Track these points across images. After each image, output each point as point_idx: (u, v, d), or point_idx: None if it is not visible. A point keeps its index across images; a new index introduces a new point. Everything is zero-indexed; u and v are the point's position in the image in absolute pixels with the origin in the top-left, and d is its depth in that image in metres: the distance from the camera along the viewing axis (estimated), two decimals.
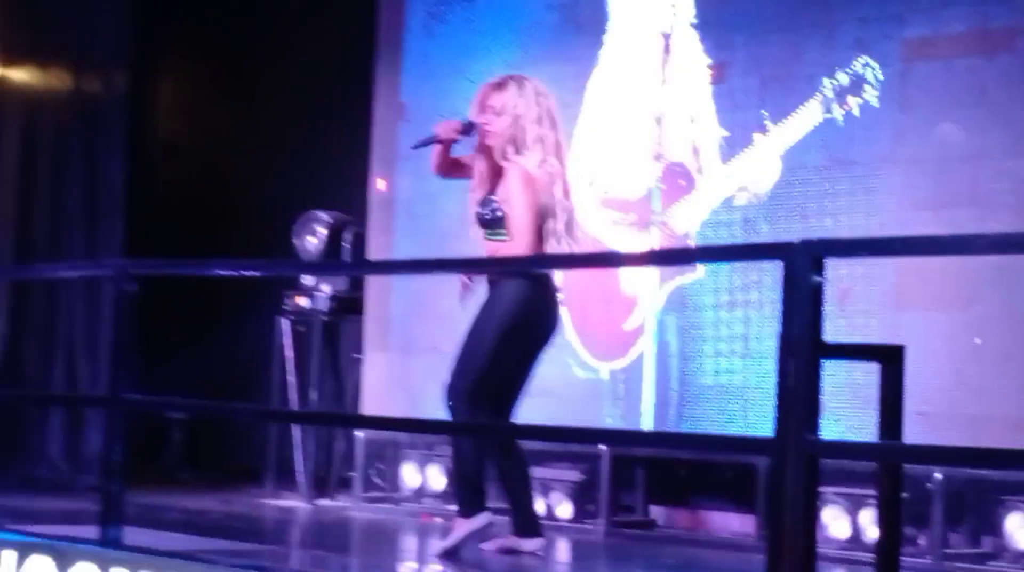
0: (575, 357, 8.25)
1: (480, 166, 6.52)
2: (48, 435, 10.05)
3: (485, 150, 6.50)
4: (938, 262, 6.91)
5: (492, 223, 6.42)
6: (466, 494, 6.37)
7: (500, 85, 6.54)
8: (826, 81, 7.49)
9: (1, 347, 9.92)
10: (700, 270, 7.90)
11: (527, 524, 6.41)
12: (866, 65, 7.37)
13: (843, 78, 7.44)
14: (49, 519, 7.23)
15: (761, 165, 7.75)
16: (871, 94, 7.35)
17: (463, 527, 6.35)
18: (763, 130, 7.72)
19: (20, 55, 10.30)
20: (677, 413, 7.89)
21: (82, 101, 10.43)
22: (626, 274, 8.23)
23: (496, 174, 6.48)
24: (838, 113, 7.46)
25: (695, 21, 8.07)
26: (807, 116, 7.56)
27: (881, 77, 7.33)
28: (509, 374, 6.41)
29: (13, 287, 9.94)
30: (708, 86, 7.99)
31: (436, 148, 6.55)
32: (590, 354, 8.28)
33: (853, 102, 7.40)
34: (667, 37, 8.17)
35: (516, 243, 6.29)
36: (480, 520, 6.33)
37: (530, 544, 6.38)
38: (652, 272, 8.07)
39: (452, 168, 6.60)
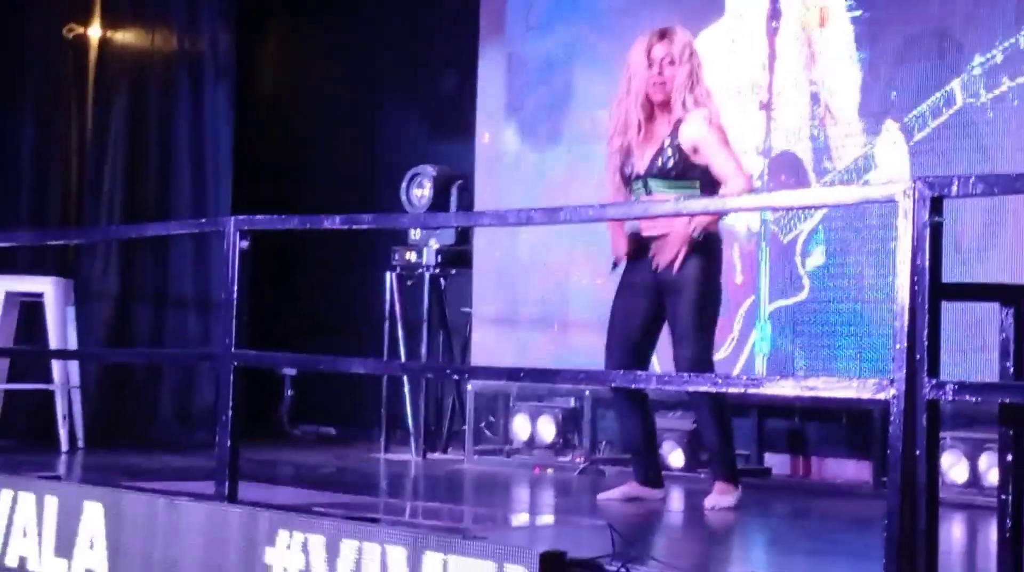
0: None
1: (638, 118, 6.40)
2: (160, 394, 10.13)
3: (651, 106, 6.40)
4: None
5: (681, 174, 6.34)
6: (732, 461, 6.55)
7: (664, 35, 6.41)
8: (977, 58, 7.27)
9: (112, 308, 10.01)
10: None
11: (732, 471, 6.57)
12: None
13: (997, 56, 7.22)
14: (164, 477, 7.29)
15: (891, 163, 7.53)
16: None
17: (730, 495, 6.49)
18: (891, 110, 7.53)
19: (125, 18, 10.35)
20: (791, 360, 7.81)
21: (188, 62, 10.47)
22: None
23: (653, 126, 6.42)
24: (985, 97, 7.26)
25: None
26: (944, 102, 7.37)
27: None
28: None
29: (123, 247, 10.00)
30: (829, 58, 7.78)
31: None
32: None
33: (1007, 84, 7.18)
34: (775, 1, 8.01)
35: (743, 177, 6.29)
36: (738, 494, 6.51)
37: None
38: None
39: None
